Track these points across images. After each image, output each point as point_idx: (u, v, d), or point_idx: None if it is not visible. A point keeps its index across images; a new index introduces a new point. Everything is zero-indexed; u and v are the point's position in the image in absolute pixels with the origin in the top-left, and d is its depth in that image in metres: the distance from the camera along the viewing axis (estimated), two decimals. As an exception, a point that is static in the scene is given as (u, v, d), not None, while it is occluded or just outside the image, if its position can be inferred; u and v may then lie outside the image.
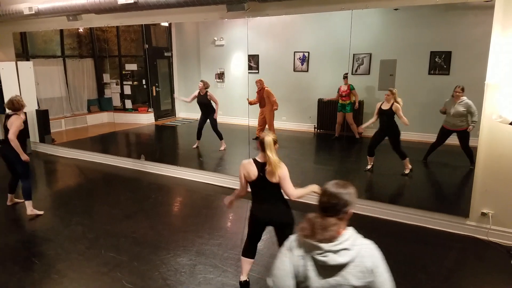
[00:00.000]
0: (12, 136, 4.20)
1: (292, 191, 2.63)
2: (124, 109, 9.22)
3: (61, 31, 8.77)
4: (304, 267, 1.49)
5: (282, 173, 2.60)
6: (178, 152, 7.60)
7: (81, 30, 9.11)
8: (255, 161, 2.66)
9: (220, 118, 7.82)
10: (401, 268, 3.36)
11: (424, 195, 5.02)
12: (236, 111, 7.31)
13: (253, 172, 2.64)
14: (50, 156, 7.27)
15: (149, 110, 9.32)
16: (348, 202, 1.53)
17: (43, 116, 7.49)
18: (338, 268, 1.45)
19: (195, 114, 9.19)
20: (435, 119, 5.18)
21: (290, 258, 1.52)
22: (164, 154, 7.20)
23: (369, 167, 5.38)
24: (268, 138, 2.60)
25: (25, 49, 8.25)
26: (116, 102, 9.34)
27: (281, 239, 2.70)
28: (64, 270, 3.33)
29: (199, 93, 6.64)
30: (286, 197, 2.71)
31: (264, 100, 6.72)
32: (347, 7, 4.21)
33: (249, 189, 2.80)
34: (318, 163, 6.66)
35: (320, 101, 7.33)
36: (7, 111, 4.36)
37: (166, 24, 8.79)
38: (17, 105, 4.30)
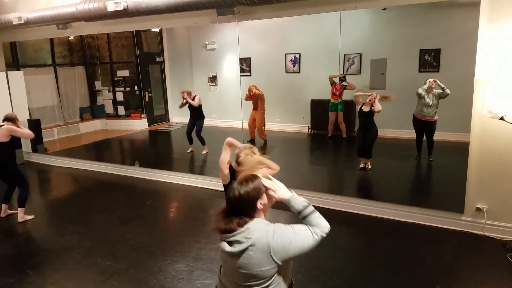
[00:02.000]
0: (26, 133, 4.61)
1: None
2: (117, 116, 9.18)
3: (52, 39, 8.72)
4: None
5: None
6: (173, 157, 7.57)
7: (72, 38, 9.07)
8: (231, 168, 2.58)
9: (214, 121, 7.81)
10: (398, 264, 3.38)
11: (418, 192, 5.07)
12: (229, 114, 7.31)
13: (225, 179, 2.60)
14: (43, 165, 7.21)
15: (142, 116, 9.28)
16: (254, 199, 1.55)
17: (35, 126, 7.41)
18: (232, 256, 1.52)
19: (188, 118, 9.20)
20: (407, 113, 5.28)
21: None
22: (159, 159, 7.18)
23: (362, 165, 5.42)
24: (251, 159, 2.41)
25: (15, 59, 8.19)
26: (109, 109, 9.30)
27: None
28: (61, 280, 3.30)
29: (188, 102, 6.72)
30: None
31: (256, 103, 6.75)
32: (336, 8, 4.25)
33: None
34: (313, 163, 6.68)
35: (313, 102, 7.37)
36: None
37: (157, 29, 8.78)
38: (12, 116, 4.56)
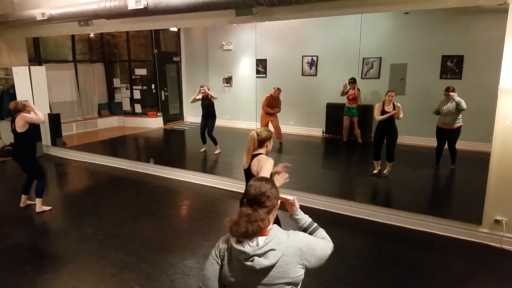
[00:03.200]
0: (38, 117, 4.52)
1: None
2: (133, 113, 9.31)
3: (73, 36, 8.92)
4: (230, 269, 1.47)
5: (264, 166, 2.56)
6: (186, 156, 7.62)
7: (92, 35, 9.25)
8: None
9: (227, 122, 7.82)
10: (406, 274, 3.30)
11: (434, 200, 4.95)
12: (243, 115, 7.33)
13: (244, 164, 2.72)
14: (61, 159, 7.35)
15: (158, 114, 9.39)
16: (273, 195, 1.52)
17: (55, 120, 7.59)
18: (266, 270, 1.41)
19: (203, 118, 9.23)
20: (425, 122, 5.17)
21: (217, 259, 1.52)
22: (172, 158, 7.23)
23: (375, 171, 5.33)
24: (252, 133, 2.67)
25: (37, 54, 8.41)
26: (126, 106, 9.44)
27: None
28: (74, 271, 3.35)
29: (202, 97, 6.69)
30: None
31: (274, 107, 6.82)
32: (357, 11, 4.19)
33: None
34: (326, 167, 6.61)
35: (329, 105, 7.30)
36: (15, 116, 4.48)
37: (175, 29, 8.88)
38: (19, 106, 4.49)
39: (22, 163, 4.57)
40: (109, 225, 4.30)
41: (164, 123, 9.35)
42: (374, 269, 3.41)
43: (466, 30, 5.47)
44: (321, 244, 1.56)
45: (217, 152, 6.77)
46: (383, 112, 5.04)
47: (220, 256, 1.52)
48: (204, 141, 6.88)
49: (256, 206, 1.47)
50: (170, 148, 8.27)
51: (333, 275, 3.23)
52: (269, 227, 1.47)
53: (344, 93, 6.54)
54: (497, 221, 3.75)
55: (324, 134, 7.49)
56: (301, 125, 7.82)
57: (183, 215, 4.86)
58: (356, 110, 6.54)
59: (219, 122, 6.92)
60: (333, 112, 7.26)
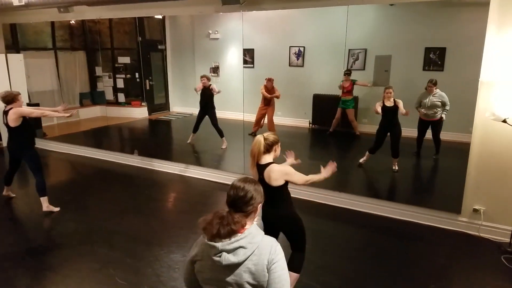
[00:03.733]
0: (38, 112, 4.27)
1: (298, 182, 2.58)
2: (117, 103, 9.12)
3: (52, 22, 8.60)
4: (202, 265, 1.48)
5: (275, 176, 2.49)
6: (173, 147, 7.55)
7: (73, 22, 8.95)
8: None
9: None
10: (392, 263, 3.39)
11: (415, 190, 5.07)
12: (230, 106, 7.27)
13: (255, 173, 2.57)
14: (41, 151, 7.16)
15: (143, 104, 9.22)
16: (255, 197, 1.51)
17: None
18: (232, 267, 1.40)
19: (189, 108, 9.14)
20: (413, 115, 5.27)
21: (191, 259, 1.53)
22: (158, 149, 7.15)
23: (362, 160, 5.40)
24: (258, 138, 2.49)
25: (15, 41, 8.09)
26: (109, 95, 9.23)
27: (291, 243, 2.69)
28: (57, 266, 3.31)
29: (204, 87, 6.56)
30: (286, 200, 2.62)
31: (270, 99, 6.76)
32: (344, 2, 4.19)
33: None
34: (313, 158, 6.66)
35: (316, 96, 7.32)
36: (6, 108, 4.13)
37: (160, 16, 8.67)
38: (12, 97, 4.11)
39: (22, 156, 4.30)
40: (93, 219, 4.24)
41: (149, 113, 9.20)
42: (362, 260, 3.48)
43: (449, 22, 5.53)
44: (286, 274, 1.46)
45: (224, 146, 6.59)
46: (384, 107, 5.06)
47: (193, 261, 1.53)
48: (195, 131, 6.73)
49: (232, 209, 1.48)
50: (156, 139, 8.16)
51: (319, 265, 3.29)
52: (246, 226, 1.46)
53: (340, 88, 6.53)
54: (475, 210, 3.88)
55: (310, 125, 7.53)
56: (288, 115, 7.83)
57: (170, 208, 4.84)
58: (352, 102, 6.54)
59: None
60: (320, 103, 7.28)
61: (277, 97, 6.90)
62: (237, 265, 1.40)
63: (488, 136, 3.71)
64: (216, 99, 6.79)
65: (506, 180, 3.69)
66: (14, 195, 4.69)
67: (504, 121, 3.42)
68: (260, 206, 1.57)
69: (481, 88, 3.66)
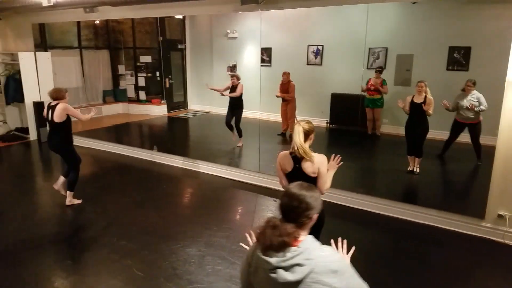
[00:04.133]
0: (83, 116, 4.43)
1: (326, 187, 2.51)
2: (138, 101, 9.33)
3: (78, 22, 8.88)
4: (258, 276, 1.38)
5: (322, 167, 2.46)
6: (189, 144, 7.65)
7: (97, 21, 9.22)
8: (291, 153, 2.52)
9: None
10: (409, 266, 3.32)
11: (438, 194, 4.93)
12: (247, 104, 7.30)
13: (289, 163, 2.51)
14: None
15: (162, 102, 9.40)
16: (311, 206, 1.38)
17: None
18: (291, 285, 1.27)
19: (206, 106, 9.24)
20: (452, 116, 5.07)
21: (246, 261, 1.45)
22: (176, 145, 7.26)
23: (410, 168, 5.11)
24: (297, 127, 2.45)
25: (43, 40, 8.41)
26: (131, 93, 9.45)
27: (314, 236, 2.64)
28: (77, 256, 3.43)
29: (232, 85, 6.56)
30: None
31: (287, 93, 6.74)
32: (363, 0, 4.13)
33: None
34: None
35: (334, 95, 7.24)
36: (52, 103, 4.23)
37: (180, 17, 8.80)
38: (63, 93, 4.24)
39: (61, 153, 4.42)
40: (112, 211, 4.37)
41: (168, 111, 9.37)
42: (377, 261, 3.44)
43: (474, 20, 5.36)
44: (357, 280, 1.38)
45: (240, 144, 6.63)
46: (412, 104, 4.82)
47: (250, 257, 1.44)
48: (231, 129, 6.67)
49: (285, 218, 1.36)
50: (174, 136, 8.30)
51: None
52: (301, 238, 1.34)
53: (364, 88, 6.29)
54: (500, 216, 3.75)
55: (328, 124, 7.46)
56: (305, 114, 7.77)
57: (185, 203, 4.92)
58: (381, 101, 6.30)
59: (222, 111, 6.87)
60: (338, 102, 7.21)
61: (290, 97, 6.76)
62: (295, 283, 1.28)
63: (514, 138, 3.58)
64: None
65: (531, 184, 3.55)
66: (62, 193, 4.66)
67: (530, 122, 3.29)
68: (316, 216, 1.41)
69: (507, 88, 3.53)
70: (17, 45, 7.65)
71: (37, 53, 7.48)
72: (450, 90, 5.83)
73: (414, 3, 5.41)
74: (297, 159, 2.48)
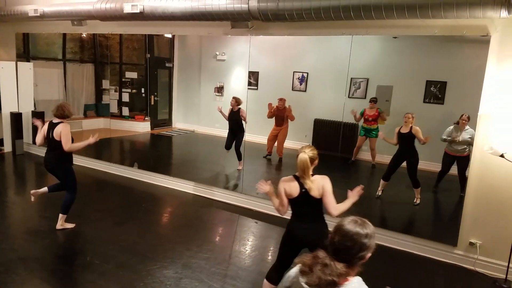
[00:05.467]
0: (67, 146, 3.95)
1: (334, 209, 2.54)
2: (121, 116, 9.20)
3: (64, 34, 8.82)
4: None
5: (326, 185, 2.53)
6: (172, 162, 7.57)
7: (84, 35, 9.18)
8: (296, 177, 2.57)
9: (217, 131, 7.84)
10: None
11: (412, 220, 5.05)
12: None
13: (295, 188, 2.54)
14: (42, 158, 7.18)
15: (146, 118, 9.32)
16: (365, 247, 1.30)
17: (39, 118, 7.42)
18: None
19: (191, 125, 9.22)
20: (427, 146, 5.27)
21: (284, 285, 1.40)
22: (158, 163, 7.17)
23: (379, 193, 5.26)
24: (303, 156, 2.49)
25: (26, 50, 8.28)
26: (114, 108, 9.32)
27: None
28: (48, 275, 3.27)
29: (231, 109, 6.47)
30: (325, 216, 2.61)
31: (282, 119, 6.80)
32: (348, 32, 4.33)
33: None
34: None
35: (317, 121, 7.40)
36: (54, 120, 4.02)
37: (169, 35, 8.91)
38: (67, 113, 4.03)
39: (58, 172, 4.12)
40: (89, 228, 4.22)
41: (152, 128, 9.28)
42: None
43: (451, 57, 5.68)
44: None
45: (240, 168, 6.31)
46: (399, 134, 4.99)
47: (289, 282, 1.39)
48: (228, 148, 6.53)
49: (336, 257, 1.28)
50: (157, 154, 8.20)
51: None
52: (349, 277, 1.29)
53: (358, 118, 6.40)
54: (471, 244, 3.87)
55: (310, 149, 7.58)
56: (289, 138, 7.90)
57: (166, 222, 4.82)
58: (377, 131, 6.42)
59: (208, 130, 6.86)
60: (320, 128, 7.37)
61: (291, 118, 6.79)
62: None
63: (486, 170, 3.75)
64: (219, 117, 6.84)
65: (503, 215, 3.70)
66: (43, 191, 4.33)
67: (502, 155, 3.47)
68: (369, 256, 1.34)
69: (480, 122, 3.74)
70: (-1, 54, 7.51)
71: (18, 63, 7.35)
72: (426, 121, 6.07)
73: (395, 37, 5.71)
74: (302, 183, 2.53)
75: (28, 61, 7.89)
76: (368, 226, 1.34)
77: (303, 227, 2.60)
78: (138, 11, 5.00)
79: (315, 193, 2.52)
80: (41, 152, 7.32)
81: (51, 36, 8.87)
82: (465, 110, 4.83)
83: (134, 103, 9.52)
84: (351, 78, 6.78)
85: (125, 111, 9.32)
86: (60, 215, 4.14)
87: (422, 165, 5.39)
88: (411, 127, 4.93)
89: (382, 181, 5.29)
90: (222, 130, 7.76)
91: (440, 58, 5.82)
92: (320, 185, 2.53)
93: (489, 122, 3.68)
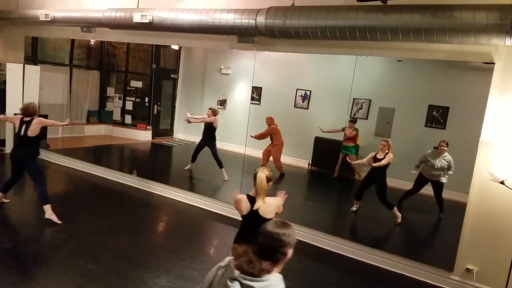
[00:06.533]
0: (58, 123, 4.78)
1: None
2: (123, 124, 9.25)
3: (72, 41, 8.97)
4: (220, 281, 1.50)
5: (278, 211, 2.68)
6: (171, 171, 7.55)
7: (92, 42, 9.33)
8: (249, 197, 2.67)
9: (218, 144, 7.84)
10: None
11: (410, 244, 5.00)
12: (234, 139, 7.38)
13: (245, 207, 2.66)
14: (42, 161, 7.16)
15: (148, 127, 9.36)
16: (285, 243, 1.47)
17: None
18: None
19: (192, 136, 9.24)
20: (407, 166, 5.30)
21: (216, 272, 1.56)
22: (157, 172, 7.15)
23: (354, 208, 5.40)
24: (261, 174, 2.61)
25: (34, 54, 8.39)
26: (116, 116, 9.38)
27: None
28: (41, 276, 3.22)
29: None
30: None
31: (272, 136, 6.91)
32: (353, 52, 4.39)
33: None
34: (309, 199, 6.65)
35: (317, 139, 7.43)
36: (25, 118, 4.32)
37: (176, 47, 9.04)
38: (36, 111, 4.37)
39: (28, 166, 4.34)
40: (83, 233, 4.18)
41: (153, 137, 9.31)
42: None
43: (454, 83, 5.75)
44: None
45: (225, 178, 6.52)
46: (374, 159, 5.07)
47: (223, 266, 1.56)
48: (193, 160, 6.80)
49: (261, 256, 1.45)
50: (156, 162, 8.19)
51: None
52: (272, 272, 1.45)
53: (339, 131, 6.61)
54: (468, 270, 3.81)
55: (310, 166, 7.58)
56: (289, 155, 7.91)
57: (160, 231, 4.77)
58: (353, 149, 6.58)
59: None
60: (321, 146, 7.39)
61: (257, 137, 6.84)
62: None
63: (485, 196, 3.73)
64: (220, 130, 6.90)
65: (500, 242, 3.66)
66: (7, 200, 4.63)
67: (502, 182, 3.45)
68: (291, 252, 1.51)
69: (481, 148, 3.74)
70: (7, 56, 7.60)
71: (26, 65, 7.42)
72: (427, 146, 6.10)
73: (399, 61, 5.79)
74: (254, 202, 2.62)
75: (35, 64, 7.98)
76: (287, 226, 1.51)
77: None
78: (147, 21, 5.09)
79: (265, 214, 2.61)
80: (43, 155, 7.31)
81: (59, 42, 9.01)
82: (466, 135, 4.86)
83: (137, 111, 9.58)
84: (354, 99, 6.84)
85: (128, 119, 9.38)
86: (45, 206, 4.28)
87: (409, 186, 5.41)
88: (387, 153, 4.98)
89: (355, 200, 5.40)
90: (222, 143, 7.78)
91: (443, 84, 5.89)
92: (272, 208, 2.62)
93: (490, 149, 3.68)
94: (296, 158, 7.79)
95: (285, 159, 7.82)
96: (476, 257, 3.78)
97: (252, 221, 2.63)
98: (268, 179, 2.63)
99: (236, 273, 1.43)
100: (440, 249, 4.81)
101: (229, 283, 1.42)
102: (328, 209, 6.12)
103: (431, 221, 5.56)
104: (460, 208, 3.93)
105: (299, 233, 4.64)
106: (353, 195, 5.50)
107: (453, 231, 4.10)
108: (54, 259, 3.53)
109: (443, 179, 4.98)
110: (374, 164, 4.99)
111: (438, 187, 5.09)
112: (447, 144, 5.04)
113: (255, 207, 2.60)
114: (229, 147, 7.70)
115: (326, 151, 7.21)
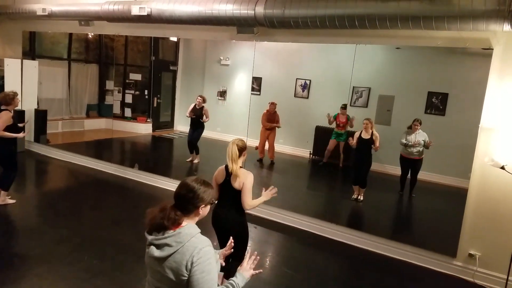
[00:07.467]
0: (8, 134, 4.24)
1: (247, 202, 2.71)
2: (123, 117, 9.25)
3: (70, 34, 8.90)
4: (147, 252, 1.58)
5: (246, 182, 2.70)
6: (172, 164, 7.58)
7: (90, 36, 9.26)
8: (226, 167, 2.77)
9: (218, 134, 7.86)
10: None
11: (412, 230, 5.04)
12: (234, 129, 7.38)
13: (222, 175, 2.78)
14: (42, 156, 7.21)
15: (148, 120, 9.36)
16: (199, 198, 1.57)
17: (41, 116, 7.48)
18: (159, 260, 1.50)
19: (193, 128, 9.23)
20: (428, 157, 5.30)
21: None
22: (158, 165, 7.19)
23: (355, 196, 5.43)
24: (232, 145, 2.71)
25: (32, 48, 8.35)
26: (116, 109, 9.37)
27: (234, 249, 2.49)
28: (45, 272, 3.26)
29: (195, 105, 6.74)
30: (241, 207, 2.78)
31: (272, 123, 7.05)
32: (352, 41, 4.37)
33: None
34: (311, 188, 6.70)
35: (318, 128, 7.44)
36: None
37: (174, 39, 8.98)
38: (7, 100, 4.27)
39: (2, 155, 4.35)
40: (87, 228, 4.22)
41: (153, 130, 9.31)
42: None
43: (453, 69, 5.72)
44: (212, 277, 1.49)
45: (192, 160, 6.82)
46: (360, 140, 5.21)
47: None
48: (191, 151, 6.88)
49: (175, 205, 1.56)
50: (157, 155, 8.22)
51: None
52: (183, 224, 1.54)
53: (331, 121, 6.65)
54: (470, 255, 3.85)
55: (310, 155, 7.60)
56: (290, 144, 7.93)
57: (163, 224, 4.81)
58: (344, 136, 6.65)
59: (210, 134, 6.95)
60: (321, 135, 7.39)
61: (278, 126, 7.09)
62: (161, 259, 1.49)
63: (486, 181, 3.75)
64: (220, 121, 6.92)
65: (502, 227, 3.69)
66: (13, 201, 4.61)
67: (503, 167, 3.47)
68: (205, 209, 1.61)
69: (481, 134, 3.74)
70: (5, 51, 7.56)
71: (24, 60, 7.39)
72: (427, 132, 6.10)
73: (398, 48, 5.76)
74: (229, 173, 2.74)
75: (33, 59, 7.95)
76: (206, 184, 1.62)
77: (218, 212, 2.82)
78: (145, 13, 5.05)
79: (235, 184, 2.72)
80: (43, 151, 7.36)
81: (57, 36, 8.95)
82: (466, 121, 4.86)
83: (137, 104, 9.56)
84: (353, 87, 6.82)
85: (128, 112, 9.37)
86: (2, 191, 4.38)
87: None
88: (372, 133, 5.13)
89: (353, 187, 5.47)
90: (223, 134, 7.80)
91: (442, 70, 5.86)
92: (241, 180, 2.70)
93: (490, 134, 3.69)
94: (297, 148, 7.81)
95: (286, 148, 7.85)
96: (479, 242, 3.82)
97: (224, 189, 2.77)
98: (240, 149, 2.73)
99: (150, 238, 1.52)
100: (443, 235, 4.85)
101: (147, 249, 1.53)
102: (327, 197, 6.16)
103: (435, 207, 5.60)
104: (461, 194, 3.96)
105: (301, 222, 4.68)
106: (351, 182, 5.54)
107: (455, 217, 4.14)
108: (58, 254, 3.57)
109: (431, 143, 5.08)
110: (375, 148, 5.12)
111: (416, 166, 5.24)
112: (420, 123, 5.21)
113: (229, 169, 2.71)
114: (230, 138, 7.70)
115: (327, 140, 7.22)
